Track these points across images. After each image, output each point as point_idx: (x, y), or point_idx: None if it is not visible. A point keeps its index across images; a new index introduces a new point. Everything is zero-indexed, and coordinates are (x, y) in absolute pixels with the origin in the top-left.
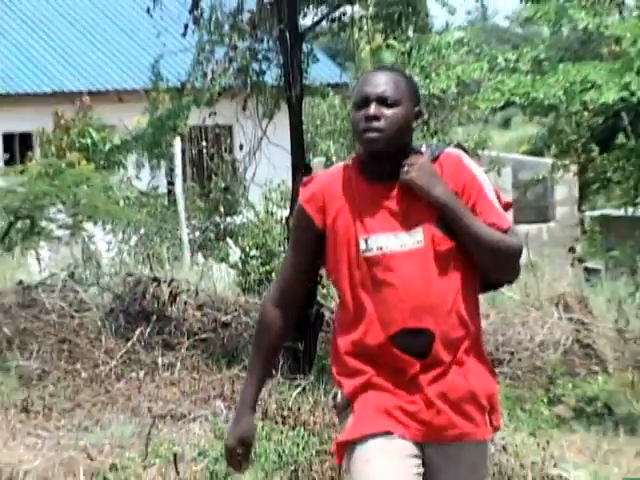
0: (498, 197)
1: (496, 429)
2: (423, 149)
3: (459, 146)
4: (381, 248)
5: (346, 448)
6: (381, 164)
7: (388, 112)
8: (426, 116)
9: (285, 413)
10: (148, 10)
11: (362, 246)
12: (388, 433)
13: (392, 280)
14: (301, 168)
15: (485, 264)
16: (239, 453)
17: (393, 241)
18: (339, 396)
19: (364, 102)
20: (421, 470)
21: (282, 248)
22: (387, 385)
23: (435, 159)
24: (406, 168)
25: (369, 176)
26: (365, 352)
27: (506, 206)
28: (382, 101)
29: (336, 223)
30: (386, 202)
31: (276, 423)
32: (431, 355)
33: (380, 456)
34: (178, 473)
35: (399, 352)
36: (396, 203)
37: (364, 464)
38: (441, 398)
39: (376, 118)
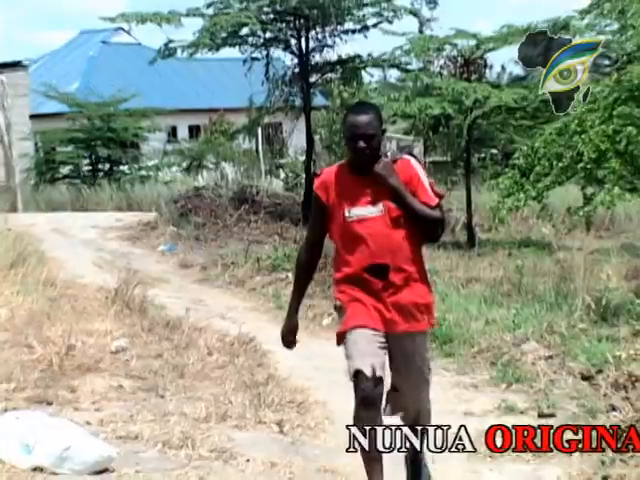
0: (432, 186)
1: (432, 325)
2: (388, 155)
3: (410, 154)
4: (358, 215)
5: (342, 336)
6: (361, 166)
7: (371, 142)
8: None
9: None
10: (246, 74)
11: (347, 214)
12: (366, 326)
13: (365, 234)
14: (310, 141)
15: (420, 227)
16: (289, 338)
17: (365, 211)
18: (338, 303)
19: (354, 138)
20: (386, 349)
21: (303, 174)
22: (364, 297)
23: (395, 161)
24: (376, 166)
25: (353, 172)
26: (351, 279)
27: (438, 195)
28: (366, 137)
29: (334, 201)
30: (362, 187)
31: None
32: (388, 279)
33: (361, 339)
34: (259, 264)
35: (369, 277)
36: (368, 188)
37: (352, 344)
38: (395, 305)
39: (365, 149)
